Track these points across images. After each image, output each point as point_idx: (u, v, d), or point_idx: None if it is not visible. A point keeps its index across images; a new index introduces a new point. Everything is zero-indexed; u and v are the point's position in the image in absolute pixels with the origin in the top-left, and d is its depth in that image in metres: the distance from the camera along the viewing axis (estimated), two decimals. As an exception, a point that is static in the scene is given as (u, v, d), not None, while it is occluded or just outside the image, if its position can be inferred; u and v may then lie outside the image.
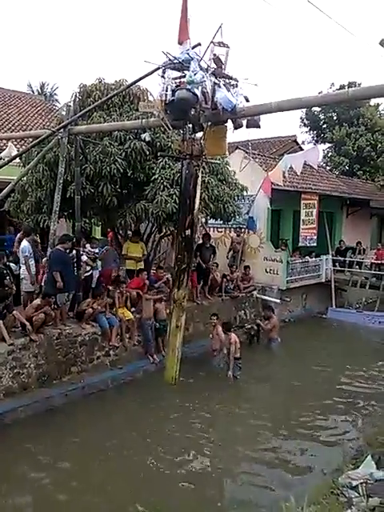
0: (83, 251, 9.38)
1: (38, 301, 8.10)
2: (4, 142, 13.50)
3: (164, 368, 9.02)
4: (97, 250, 9.90)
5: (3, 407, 7.06)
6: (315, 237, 14.73)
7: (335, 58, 55.67)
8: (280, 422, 7.46)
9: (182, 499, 5.48)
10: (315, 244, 14.79)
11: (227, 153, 8.62)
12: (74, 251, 9.07)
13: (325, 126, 29.34)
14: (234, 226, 13.26)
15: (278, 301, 13.20)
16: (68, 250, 8.81)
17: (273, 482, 5.79)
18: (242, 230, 13.72)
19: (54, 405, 7.52)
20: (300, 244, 14.51)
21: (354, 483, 4.32)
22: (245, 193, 11.63)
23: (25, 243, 8.98)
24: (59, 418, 7.17)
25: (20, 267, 8.92)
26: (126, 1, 58.92)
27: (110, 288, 9.31)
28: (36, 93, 29.89)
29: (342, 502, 4.11)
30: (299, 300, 14.80)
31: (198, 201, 8.10)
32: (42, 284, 8.66)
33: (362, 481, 4.31)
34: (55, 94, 33.28)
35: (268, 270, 13.70)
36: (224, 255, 13.63)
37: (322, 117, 29.41)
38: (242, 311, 12.69)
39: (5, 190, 8.42)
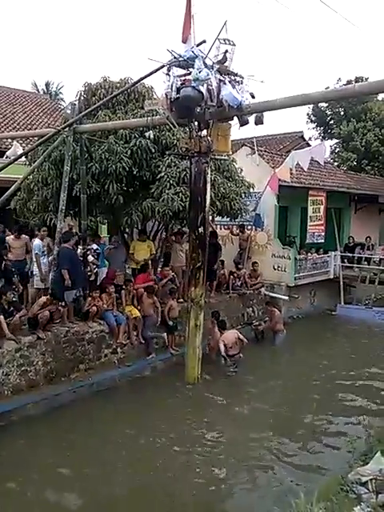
0: (89, 250, 9.41)
1: (43, 298, 8.14)
2: (10, 140, 13.59)
3: (172, 365, 9.12)
4: (95, 246, 9.90)
5: (11, 404, 7.10)
6: (323, 233, 14.63)
7: (341, 52, 55.22)
8: (288, 419, 7.43)
9: (190, 496, 5.49)
10: (323, 240, 14.70)
11: (230, 150, 8.60)
12: (80, 249, 9.12)
13: (332, 121, 29.17)
14: (239, 223, 13.18)
15: (286, 298, 13.16)
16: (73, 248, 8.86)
17: (282, 479, 5.78)
18: (249, 226, 13.67)
19: (61, 402, 7.55)
20: (308, 241, 14.43)
21: (364, 479, 4.29)
22: (251, 190, 11.58)
23: (36, 241, 9.23)
24: (67, 415, 7.19)
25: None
26: (132, -2, 58.82)
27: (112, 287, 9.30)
28: (41, 92, 30.00)
29: (352, 498, 4.09)
30: (308, 297, 14.73)
31: (208, 198, 8.11)
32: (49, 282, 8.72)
33: (371, 477, 4.28)
34: (60, 92, 33.44)
35: (276, 267, 13.65)
36: (231, 253, 13.59)
37: (329, 112, 29.23)
38: (250, 308, 12.65)
39: (11, 189, 8.47)
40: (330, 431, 7.14)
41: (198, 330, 8.37)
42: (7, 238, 9.20)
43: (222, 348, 9.17)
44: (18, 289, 8.31)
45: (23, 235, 9.35)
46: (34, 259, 9.07)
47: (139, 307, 9.50)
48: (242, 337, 9.63)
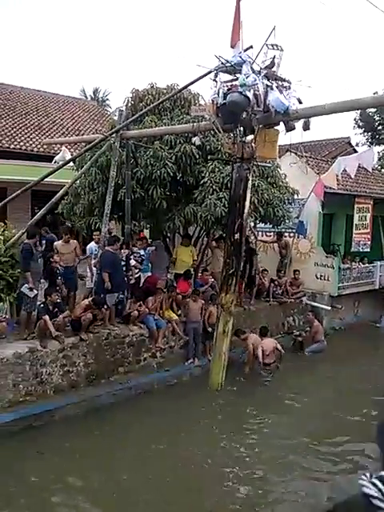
0: (131, 255, 9.52)
1: (86, 301, 8.29)
2: (58, 146, 14.01)
3: (209, 371, 9.03)
4: (142, 252, 10.01)
5: (53, 404, 7.25)
6: (369, 242, 14.20)
7: (392, 56, 53.49)
8: (321, 435, 7.15)
9: (223, 505, 5.40)
10: (368, 249, 14.24)
11: (277, 157, 8.48)
12: (123, 253, 9.24)
13: (380, 127, 28.33)
14: (277, 230, 12.92)
15: (329, 308, 12.82)
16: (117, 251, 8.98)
17: (314, 497, 5.59)
18: (291, 234, 13.42)
19: (101, 403, 7.65)
20: (353, 249, 14.01)
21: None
22: (295, 196, 11.39)
23: (91, 244, 9.60)
24: (107, 416, 7.28)
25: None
26: (180, 6, 59.59)
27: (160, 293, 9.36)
28: (89, 98, 30.83)
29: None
30: (351, 307, 14.29)
31: (247, 204, 8.02)
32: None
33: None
34: (107, 99, 34.27)
35: (319, 276, 13.33)
36: (274, 260, 13.38)
37: (377, 118, 28.42)
38: (291, 317, 12.41)
39: (59, 193, 8.71)
40: (367, 453, 6.75)
41: (225, 336, 8.30)
42: (56, 243, 9.29)
43: (260, 354, 9.03)
44: (61, 290, 8.50)
45: (72, 240, 9.33)
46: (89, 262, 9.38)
47: (180, 312, 9.52)
48: (279, 347, 9.46)
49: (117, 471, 5.95)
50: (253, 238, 12.19)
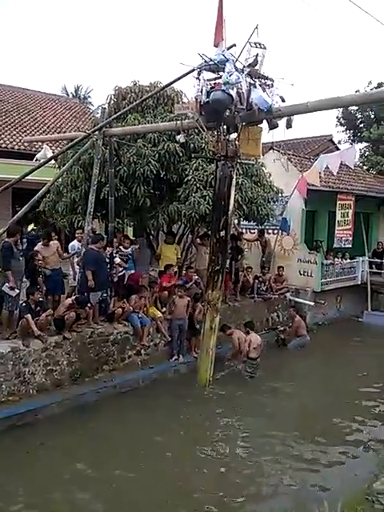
0: (116, 252, 9.48)
1: (69, 300, 8.24)
2: (40, 144, 13.85)
3: (196, 368, 9.08)
4: (128, 250, 9.98)
5: (36, 403, 7.19)
6: (351, 238, 14.42)
7: (373, 55, 54.24)
8: (310, 426, 7.32)
9: (211, 501, 5.44)
10: (350, 245, 14.46)
11: (261, 154, 8.54)
12: (108, 251, 9.19)
13: (362, 124, 28.71)
14: (259, 228, 13.03)
15: (312, 303, 12.98)
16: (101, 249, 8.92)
17: (305, 486, 5.71)
18: (275, 231, 13.54)
19: (86, 402, 7.61)
20: (335, 245, 14.21)
21: (390, 490, 4.17)
22: (279, 195, 11.49)
23: (74, 242, 9.52)
24: (91, 415, 7.25)
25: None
26: (162, 3, 59.32)
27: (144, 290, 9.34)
28: (71, 96, 30.53)
29: (379, 509, 3.97)
30: (334, 303, 14.48)
31: (232, 202, 8.07)
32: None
33: (398, 487, 4.16)
34: (89, 96, 34.00)
35: (302, 272, 13.48)
36: (256, 257, 13.48)
37: (359, 116, 28.80)
38: (275, 313, 12.54)
39: (41, 191, 8.60)
40: (354, 440, 7.00)
41: (213, 332, 8.36)
42: (37, 247, 8.88)
43: (246, 348, 9.14)
44: (41, 289, 8.37)
45: (52, 242, 9.02)
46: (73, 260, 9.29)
47: (165, 309, 9.53)
48: (261, 342, 9.56)
49: (104, 469, 5.95)
50: (237, 234, 12.26)
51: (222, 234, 8.09)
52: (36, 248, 8.90)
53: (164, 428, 7.06)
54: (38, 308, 7.78)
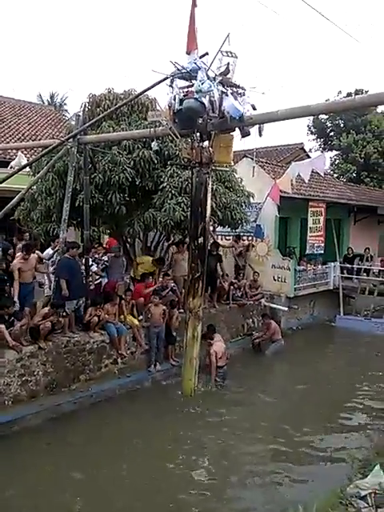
0: (93, 260, 9.41)
1: (45, 309, 8.14)
2: (14, 151, 13.68)
3: (173, 376, 9.05)
4: (106, 258, 9.94)
5: (12, 415, 7.06)
6: (322, 244, 14.74)
7: (342, 65, 55.81)
8: (284, 432, 7.33)
9: (188, 508, 5.44)
10: (322, 251, 14.78)
11: (231, 161, 8.66)
12: (84, 259, 9.12)
13: (332, 133, 29.45)
14: (237, 233, 13.20)
15: (286, 309, 13.15)
16: (76, 258, 8.84)
17: (280, 493, 5.73)
18: (250, 237, 13.72)
19: (62, 412, 7.51)
20: (307, 251, 14.48)
21: (363, 493, 4.25)
22: (252, 199, 11.65)
23: (48, 249, 9.42)
24: (68, 425, 7.16)
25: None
26: (135, 11, 59.65)
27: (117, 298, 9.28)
28: (46, 103, 30.22)
29: (351, 512, 4.06)
30: (307, 308, 14.72)
31: (209, 208, 8.15)
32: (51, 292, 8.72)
33: (370, 491, 4.25)
34: (65, 103, 33.65)
35: (276, 278, 13.66)
36: (231, 263, 13.60)
37: (329, 124, 29.52)
38: (250, 319, 12.62)
39: (15, 199, 8.50)
40: (327, 445, 7.02)
41: (195, 341, 8.32)
42: (15, 262, 8.36)
43: (214, 360, 8.97)
44: (7, 295, 8.04)
45: (32, 254, 8.51)
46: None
47: (142, 317, 9.49)
48: (225, 349, 9.47)
49: (80, 479, 5.88)
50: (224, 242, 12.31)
51: (201, 240, 8.13)
52: (14, 262, 8.40)
53: (141, 437, 7.00)
54: (12, 318, 7.65)
